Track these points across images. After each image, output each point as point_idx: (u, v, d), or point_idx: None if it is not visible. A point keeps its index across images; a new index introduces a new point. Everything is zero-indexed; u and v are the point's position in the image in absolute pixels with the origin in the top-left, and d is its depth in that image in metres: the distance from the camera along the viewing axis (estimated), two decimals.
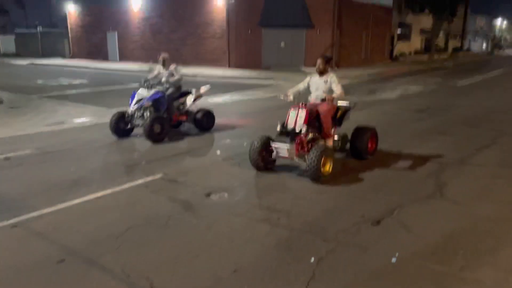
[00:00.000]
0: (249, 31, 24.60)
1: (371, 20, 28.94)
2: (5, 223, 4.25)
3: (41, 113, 10.77)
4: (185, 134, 8.49)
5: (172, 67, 8.55)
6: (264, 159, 5.86)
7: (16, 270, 3.46)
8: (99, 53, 32.40)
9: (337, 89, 6.11)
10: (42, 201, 4.82)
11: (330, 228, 4.20)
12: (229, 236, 4.07)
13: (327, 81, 6.19)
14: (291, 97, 6.24)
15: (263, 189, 5.46)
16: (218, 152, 7.20)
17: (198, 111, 8.63)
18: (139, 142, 7.81)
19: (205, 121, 8.60)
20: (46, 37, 38.74)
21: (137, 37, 30.09)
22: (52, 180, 5.65)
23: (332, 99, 5.99)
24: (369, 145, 6.56)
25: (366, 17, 28.46)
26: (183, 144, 7.81)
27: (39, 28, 40.59)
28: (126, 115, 7.95)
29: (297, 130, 5.75)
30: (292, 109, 5.91)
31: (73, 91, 15.13)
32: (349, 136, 6.61)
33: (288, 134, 5.76)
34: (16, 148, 7.18)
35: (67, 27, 35.23)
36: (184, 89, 8.84)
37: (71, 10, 34.38)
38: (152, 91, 8.01)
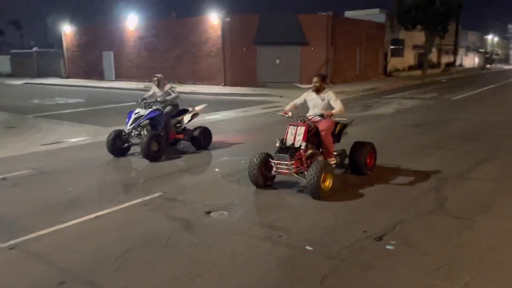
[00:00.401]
0: (244, 49, 24.82)
1: (364, 36, 29.36)
2: (3, 245, 4.17)
3: (37, 132, 10.72)
4: (183, 152, 8.46)
5: (168, 87, 8.57)
6: (263, 176, 5.83)
7: None
8: (95, 72, 32.51)
9: (337, 105, 6.10)
10: (40, 222, 4.74)
11: (333, 246, 4.15)
12: (230, 255, 4.01)
13: (324, 98, 6.19)
14: (289, 114, 6.26)
15: (263, 206, 5.42)
16: (217, 169, 7.16)
17: (195, 129, 8.60)
18: (137, 161, 7.76)
19: (202, 139, 8.55)
20: (42, 57, 38.84)
21: (133, 56, 30.26)
22: (49, 200, 5.57)
23: (331, 115, 5.98)
24: (368, 160, 6.55)
25: (359, 34, 28.87)
26: (181, 162, 7.78)
27: (35, 48, 40.74)
28: (123, 134, 7.92)
29: (296, 146, 5.73)
30: (290, 125, 5.91)
31: (70, 110, 15.11)
32: (347, 152, 6.60)
33: (287, 150, 5.73)
34: (13, 169, 7.11)
35: (62, 47, 35.42)
36: (181, 107, 8.85)
37: (67, 31, 34.62)
38: (149, 110, 8.01)
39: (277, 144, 5.83)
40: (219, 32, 25.68)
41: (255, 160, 5.78)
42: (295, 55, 24.84)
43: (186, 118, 8.68)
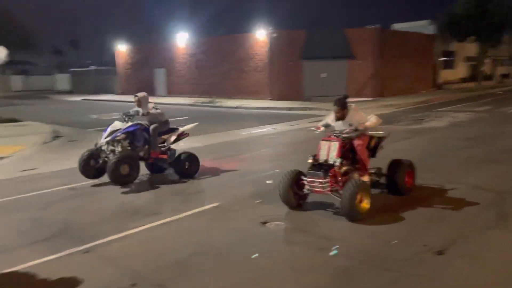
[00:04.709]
0: (290, 63, 25.09)
1: (413, 48, 28.75)
2: (77, 249, 4.51)
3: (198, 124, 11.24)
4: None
5: (151, 105, 7.59)
6: (295, 194, 5.55)
7: None
8: (147, 88, 33.94)
9: (369, 118, 5.73)
10: (109, 229, 5.09)
11: (391, 258, 4.15)
12: (288, 265, 4.11)
13: (352, 123, 5.69)
14: (322, 128, 6.02)
15: (319, 217, 5.47)
16: (269, 181, 7.30)
17: (180, 154, 7.59)
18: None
19: (187, 166, 7.49)
20: (98, 75, 41.19)
21: (183, 72, 31.40)
22: (115, 208, 5.95)
23: (365, 128, 5.64)
24: (407, 180, 6.10)
25: (408, 46, 28.31)
26: (234, 174, 7.97)
27: (92, 67, 43.32)
28: (96, 149, 7.22)
29: (330, 162, 5.43)
30: (323, 140, 5.62)
31: None
32: (385, 170, 6.16)
33: (321, 167, 5.41)
34: (78, 179, 7.59)
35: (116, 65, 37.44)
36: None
37: (120, 49, 36.53)
38: (129, 123, 7.29)
39: (309, 161, 5.52)
40: (265, 48, 26.13)
41: (285, 178, 5.51)
42: (341, 69, 24.76)
43: (172, 137, 7.70)
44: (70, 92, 41.05)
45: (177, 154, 7.62)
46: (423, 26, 33.12)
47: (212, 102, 25.25)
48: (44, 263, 4.20)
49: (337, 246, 4.38)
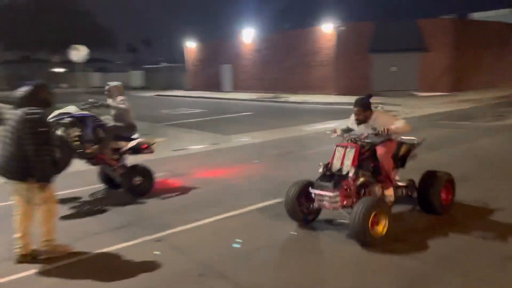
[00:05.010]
0: (358, 57, 24.40)
1: (493, 39, 26.64)
2: (150, 237, 4.74)
3: (168, 139, 11.88)
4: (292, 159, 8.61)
5: (120, 98, 6.63)
6: (303, 209, 4.80)
7: (162, 279, 3.83)
8: (214, 84, 34.88)
9: (397, 123, 4.83)
10: (179, 219, 5.29)
11: (468, 263, 3.88)
12: (357, 264, 4.01)
13: (375, 127, 4.79)
14: (338, 132, 5.17)
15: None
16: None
17: (131, 167, 6.44)
18: (256, 168, 8.13)
19: (138, 181, 6.31)
20: (168, 71, 43.15)
21: (249, 68, 31.81)
22: (184, 200, 6.18)
23: (389, 132, 4.69)
24: (444, 196, 5.10)
25: (488, 36, 26.26)
26: (297, 171, 7.91)
27: (163, 64, 45.46)
28: None
29: (344, 173, 4.60)
30: (338, 146, 4.81)
31: (193, 120, 16.46)
32: (417, 183, 5.21)
33: (332, 177, 4.61)
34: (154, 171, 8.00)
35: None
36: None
37: (189, 47, 37.84)
38: (85, 112, 6.25)
39: (320, 170, 4.72)
40: (331, 42, 25.65)
41: (292, 189, 4.79)
42: (412, 62, 23.62)
43: (130, 144, 6.51)
44: (144, 88, 43.33)
45: (128, 166, 6.47)
46: (505, 15, 30.56)
47: (276, 97, 25.31)
48: (123, 248, 4.47)
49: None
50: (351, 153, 4.61)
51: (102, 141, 6.23)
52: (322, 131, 12.29)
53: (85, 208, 5.94)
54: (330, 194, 4.44)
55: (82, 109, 6.28)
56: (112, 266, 4.14)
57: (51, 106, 4.39)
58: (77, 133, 6.03)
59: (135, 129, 6.72)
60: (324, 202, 4.55)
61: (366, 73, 24.36)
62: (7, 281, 3.86)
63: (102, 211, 5.79)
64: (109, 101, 6.68)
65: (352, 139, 4.83)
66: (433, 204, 4.98)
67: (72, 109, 6.15)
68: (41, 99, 4.15)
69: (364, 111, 4.87)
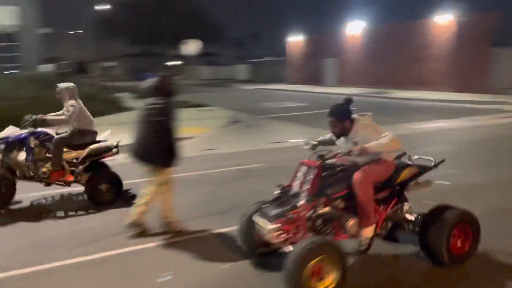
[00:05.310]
0: (477, 51, 22.18)
1: None
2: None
3: (267, 132, 12.15)
4: None
5: (70, 102, 5.63)
6: (255, 239, 3.81)
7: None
8: (316, 78, 34.63)
9: (380, 139, 3.58)
10: None
11: None
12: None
13: (358, 141, 3.65)
14: (308, 146, 4.15)
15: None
16: (446, 182, 6.60)
17: (98, 172, 5.74)
18: None
19: (103, 188, 5.60)
20: (271, 65, 44.02)
21: (354, 62, 30.94)
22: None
23: (362, 150, 3.51)
24: (456, 243, 3.72)
25: None
26: None
27: (266, 58, 46.52)
28: None
29: (301, 199, 3.53)
30: (301, 164, 3.76)
31: (294, 113, 16.55)
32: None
33: (281, 204, 3.59)
34: (250, 162, 8.25)
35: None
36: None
37: (291, 41, 38.07)
38: (24, 131, 5.57)
39: (276, 192, 3.73)
40: (447, 34, 23.71)
41: (245, 214, 3.89)
42: None
43: (84, 153, 5.68)
44: (249, 81, 44.80)
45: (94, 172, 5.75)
46: None
47: (381, 93, 24.22)
48: (218, 234, 4.70)
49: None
50: (311, 175, 3.59)
51: (55, 156, 5.53)
52: (430, 131, 11.51)
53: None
54: (270, 227, 3.37)
55: (23, 128, 5.67)
56: (209, 249, 4.37)
57: (176, 96, 4.69)
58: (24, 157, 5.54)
59: (90, 133, 5.83)
60: (263, 235, 3.54)
61: (486, 68, 22.07)
62: (129, 251, 4.31)
63: (204, 194, 6.14)
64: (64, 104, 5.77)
65: (319, 157, 3.69)
66: (436, 253, 3.64)
67: (8, 132, 5.63)
68: (166, 89, 4.53)
69: (340, 121, 3.75)
